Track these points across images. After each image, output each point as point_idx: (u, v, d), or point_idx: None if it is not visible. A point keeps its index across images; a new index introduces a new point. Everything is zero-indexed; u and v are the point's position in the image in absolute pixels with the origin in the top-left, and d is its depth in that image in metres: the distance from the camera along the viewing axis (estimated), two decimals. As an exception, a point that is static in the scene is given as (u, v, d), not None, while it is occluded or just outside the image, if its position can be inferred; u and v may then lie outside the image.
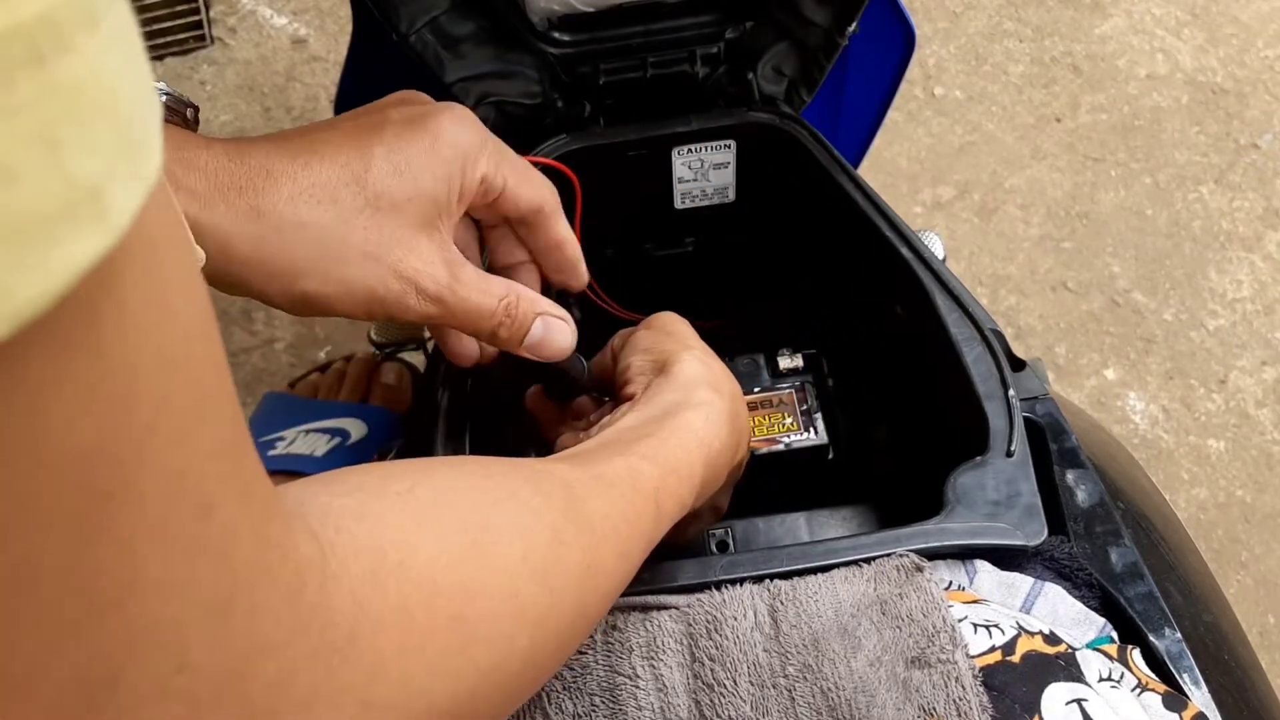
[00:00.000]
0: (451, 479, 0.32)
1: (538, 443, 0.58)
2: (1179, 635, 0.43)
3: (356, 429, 0.73)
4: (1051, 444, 0.50)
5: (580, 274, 0.52)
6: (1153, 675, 0.41)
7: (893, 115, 1.35)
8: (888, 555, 0.42)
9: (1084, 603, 0.44)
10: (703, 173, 0.64)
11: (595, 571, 0.35)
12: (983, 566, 0.44)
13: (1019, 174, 1.43)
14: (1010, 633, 0.39)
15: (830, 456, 0.60)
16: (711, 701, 0.38)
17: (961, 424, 0.50)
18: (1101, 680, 0.38)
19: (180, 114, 0.45)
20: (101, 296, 0.17)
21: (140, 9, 1.46)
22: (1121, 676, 0.39)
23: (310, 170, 0.42)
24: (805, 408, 0.61)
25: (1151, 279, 1.35)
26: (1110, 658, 0.40)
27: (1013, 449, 0.47)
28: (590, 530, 0.35)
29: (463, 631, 0.28)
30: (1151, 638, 0.43)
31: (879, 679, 0.38)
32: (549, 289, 0.52)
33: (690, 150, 0.62)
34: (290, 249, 0.42)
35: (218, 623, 0.20)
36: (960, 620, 0.39)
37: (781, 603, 0.41)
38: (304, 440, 0.71)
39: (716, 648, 0.39)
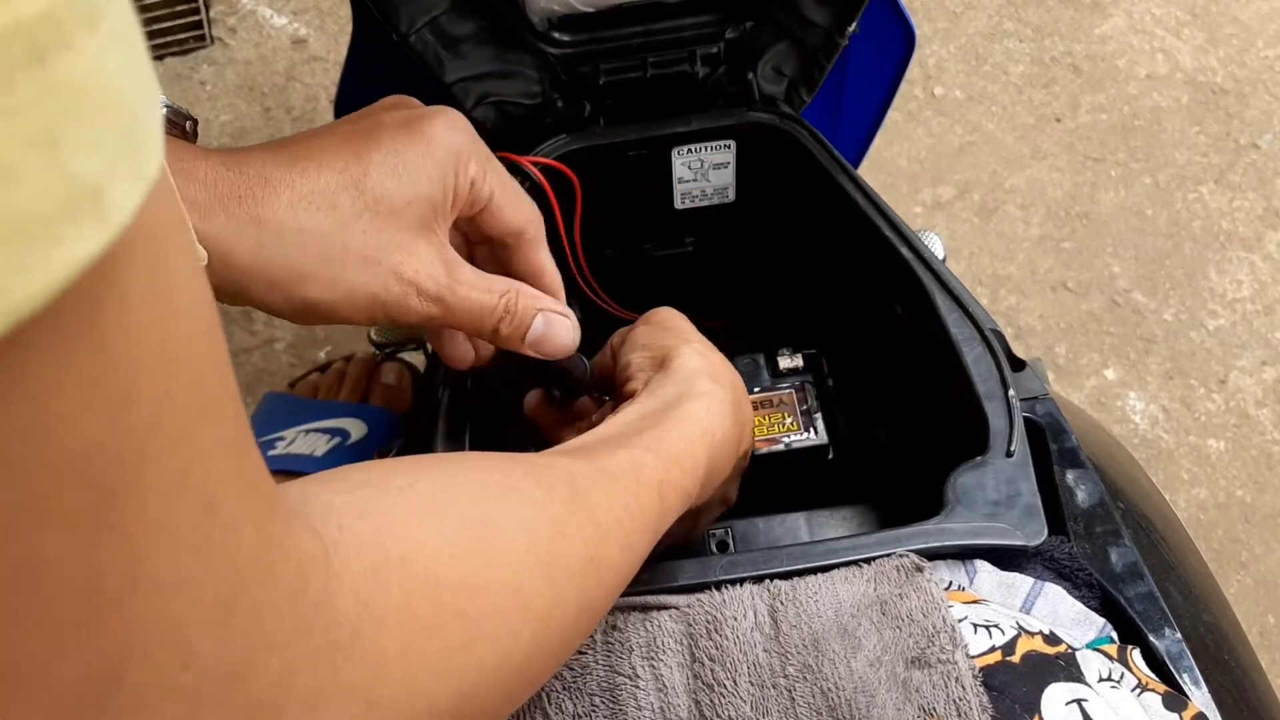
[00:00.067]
0: (453, 474, 0.32)
1: (538, 443, 0.58)
2: (1179, 635, 0.43)
3: (356, 429, 0.73)
4: (1051, 444, 0.50)
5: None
6: (1153, 675, 0.41)
7: (893, 115, 1.35)
8: (888, 555, 0.42)
9: (1084, 603, 0.44)
10: (703, 173, 0.64)
11: (599, 564, 0.35)
12: (983, 566, 0.44)
13: (1019, 174, 1.43)
14: (1010, 633, 0.39)
15: (830, 456, 0.60)
16: (711, 701, 0.38)
17: (961, 424, 0.50)
18: (1101, 680, 0.38)
19: (179, 126, 0.45)
20: (103, 292, 0.16)
21: (140, 9, 1.46)
22: (1121, 676, 0.39)
23: (308, 177, 0.42)
24: (805, 408, 0.61)
25: (1151, 279, 1.35)
26: (1110, 658, 0.40)
27: (1013, 449, 0.47)
28: (593, 523, 0.35)
29: (466, 628, 0.28)
30: (1151, 638, 0.43)
31: (879, 679, 0.38)
32: None
33: (690, 150, 0.62)
34: (291, 256, 0.42)
35: (221, 621, 0.20)
36: (960, 620, 0.39)
37: (781, 603, 0.41)
38: (304, 440, 0.71)
39: (716, 648, 0.39)
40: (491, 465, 0.34)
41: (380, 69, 0.70)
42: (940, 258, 0.56)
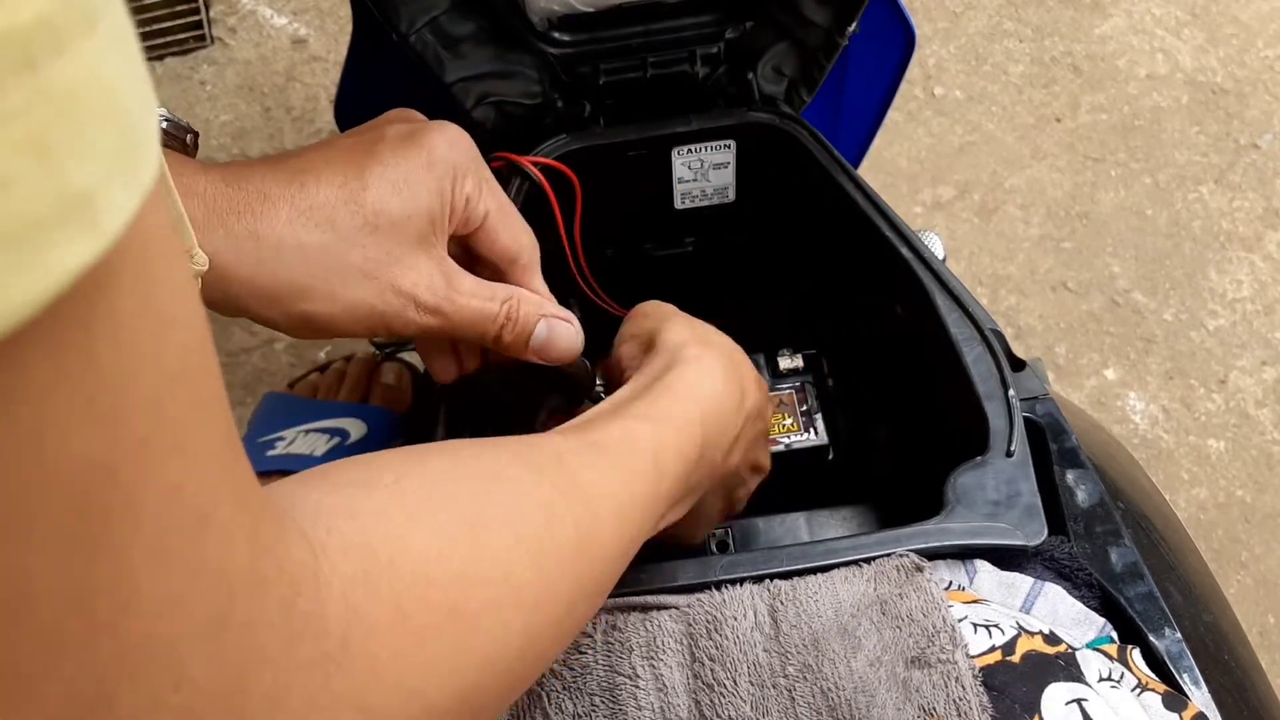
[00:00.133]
0: (439, 465, 0.32)
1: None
2: (1179, 635, 0.43)
3: (356, 429, 0.73)
4: (1051, 444, 0.50)
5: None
6: (1153, 675, 0.41)
7: (893, 115, 1.35)
8: (888, 555, 0.42)
9: (1084, 603, 0.44)
10: (703, 173, 0.64)
11: (591, 542, 0.34)
12: (983, 566, 0.44)
13: (1019, 174, 1.43)
14: (1010, 633, 0.39)
15: (830, 457, 0.60)
16: (711, 701, 0.38)
17: (961, 424, 0.50)
18: (1101, 680, 0.38)
19: (179, 139, 0.45)
20: (94, 303, 0.16)
21: (140, 9, 1.46)
22: (1121, 676, 0.39)
23: (307, 192, 0.43)
24: (805, 408, 0.61)
25: (1151, 279, 1.35)
26: (1110, 658, 0.40)
27: (1013, 449, 0.47)
28: (583, 501, 0.35)
29: (458, 624, 0.28)
30: (1151, 638, 0.43)
31: (879, 679, 0.38)
32: None
33: (690, 150, 0.62)
34: (289, 271, 0.42)
35: (214, 637, 0.20)
36: (960, 620, 0.39)
37: (781, 603, 0.41)
38: (304, 440, 0.71)
39: (716, 648, 0.39)
40: (477, 453, 0.34)
41: (380, 69, 0.70)
42: (940, 258, 0.56)
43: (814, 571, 0.42)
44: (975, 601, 0.41)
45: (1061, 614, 0.43)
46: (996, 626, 0.39)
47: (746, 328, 0.67)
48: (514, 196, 0.57)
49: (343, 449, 0.71)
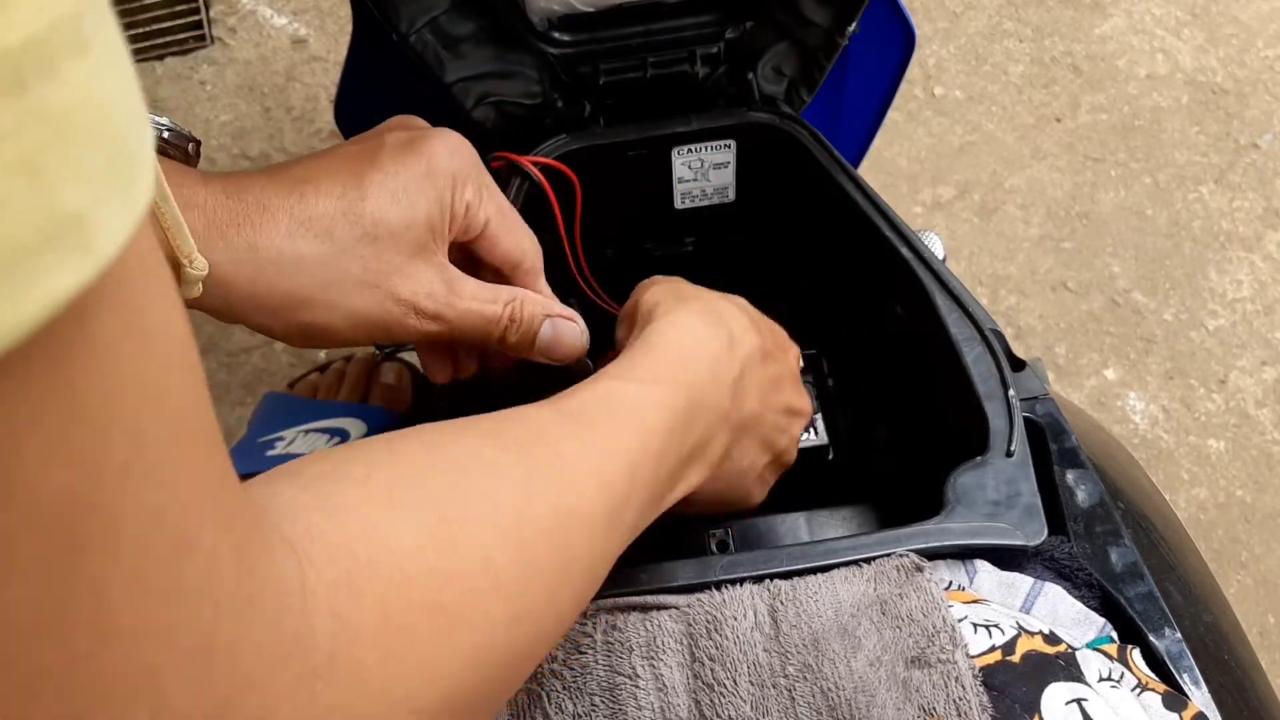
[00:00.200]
0: (409, 455, 0.31)
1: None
2: (1179, 635, 0.43)
3: (356, 429, 0.73)
4: (1051, 444, 0.50)
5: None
6: (1153, 675, 0.41)
7: (893, 115, 1.35)
8: (888, 555, 0.42)
9: (1084, 603, 0.44)
10: (703, 173, 0.64)
11: (572, 518, 0.33)
12: (983, 566, 0.44)
13: (1019, 174, 1.43)
14: (1010, 633, 0.39)
15: (830, 457, 0.60)
16: (711, 701, 0.38)
17: (961, 424, 0.50)
18: (1101, 680, 0.38)
19: (181, 148, 0.45)
20: (76, 327, 0.16)
21: (140, 9, 1.46)
22: (1121, 676, 0.39)
23: (306, 203, 0.43)
24: (805, 408, 0.61)
25: (1151, 279, 1.35)
26: (1110, 658, 0.40)
27: (1013, 449, 0.47)
28: (562, 474, 0.34)
29: (441, 619, 0.27)
30: (1151, 638, 0.43)
31: (879, 679, 0.38)
32: None
33: (690, 150, 0.62)
34: (289, 282, 0.42)
35: (198, 664, 0.20)
36: (960, 620, 0.39)
37: (781, 603, 0.41)
38: (303, 440, 0.71)
39: (716, 648, 0.39)
40: (448, 437, 0.33)
41: (380, 69, 0.70)
42: (940, 258, 0.56)
43: (814, 571, 0.42)
44: (975, 601, 0.41)
45: (1061, 614, 0.43)
46: (996, 626, 0.39)
47: (746, 328, 0.67)
48: (514, 196, 0.57)
49: (342, 449, 0.71)
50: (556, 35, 0.61)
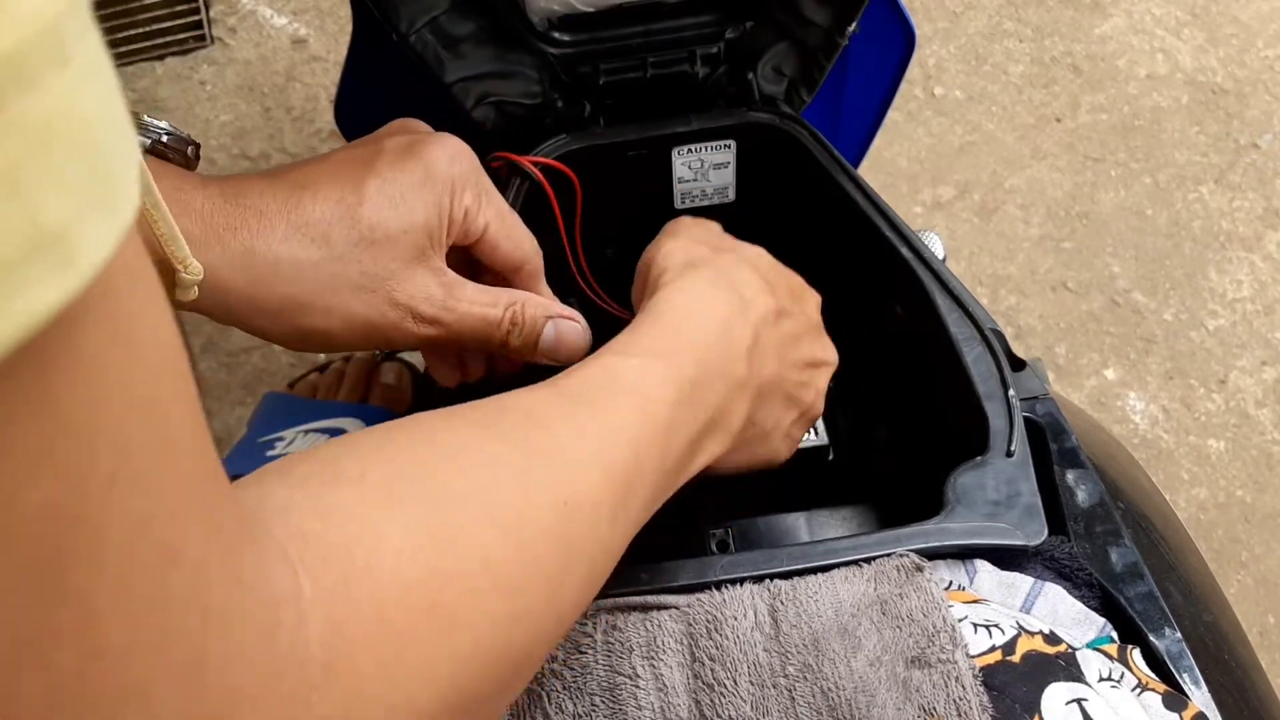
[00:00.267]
0: (403, 449, 0.30)
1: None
2: (1179, 635, 0.43)
3: (355, 429, 0.73)
4: (1051, 444, 0.50)
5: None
6: (1153, 675, 0.41)
7: (893, 115, 1.35)
8: (888, 555, 0.42)
9: (1084, 603, 0.44)
10: (703, 173, 0.64)
11: (573, 504, 0.32)
12: (983, 566, 0.44)
13: (1019, 174, 1.43)
14: (1010, 633, 0.39)
15: (830, 457, 0.60)
16: (712, 701, 0.38)
17: (961, 424, 0.50)
18: (1101, 680, 0.38)
19: (180, 151, 0.45)
20: (60, 341, 0.15)
21: (140, 9, 1.46)
22: (1121, 676, 0.39)
23: (303, 208, 0.43)
24: (805, 408, 0.61)
25: (1151, 279, 1.35)
26: (1110, 658, 0.40)
27: (1013, 449, 0.47)
28: (562, 461, 0.32)
29: (440, 620, 0.26)
30: (1151, 638, 0.43)
31: (879, 679, 0.38)
32: None
33: (690, 150, 0.62)
34: (286, 286, 0.42)
35: (188, 680, 0.19)
36: (960, 620, 0.39)
37: (781, 603, 0.41)
38: (303, 440, 0.71)
39: (717, 648, 0.39)
40: (441, 428, 0.32)
41: (380, 69, 0.70)
42: (940, 258, 0.56)
43: (814, 571, 0.42)
44: (975, 601, 0.41)
45: (1061, 614, 0.43)
46: (996, 626, 0.39)
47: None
48: (514, 196, 0.57)
49: (343, 449, 0.71)
50: (556, 35, 0.61)
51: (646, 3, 0.60)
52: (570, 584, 0.32)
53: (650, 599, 0.42)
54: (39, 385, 0.15)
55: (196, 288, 0.40)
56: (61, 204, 0.14)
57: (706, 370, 0.40)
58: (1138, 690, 0.39)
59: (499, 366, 0.53)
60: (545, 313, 0.48)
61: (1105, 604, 0.45)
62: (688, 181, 0.64)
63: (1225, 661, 0.46)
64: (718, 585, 0.42)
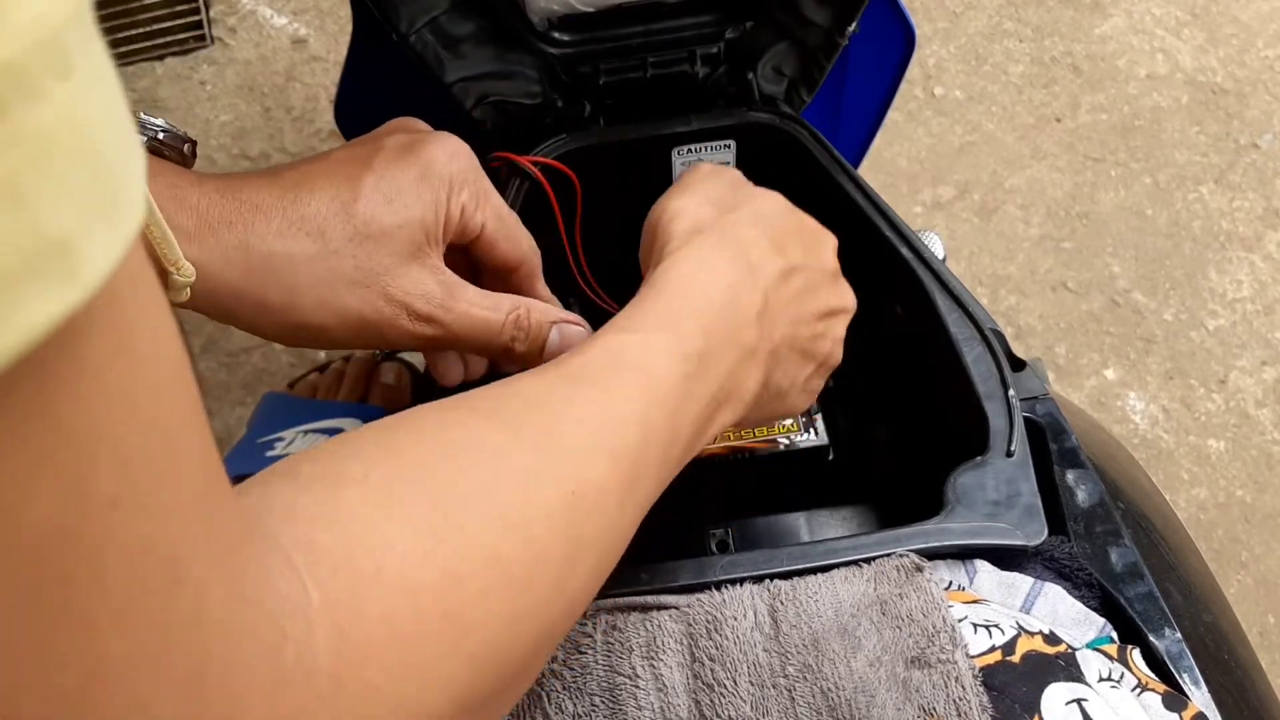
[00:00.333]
0: (407, 447, 0.30)
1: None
2: (1179, 635, 0.43)
3: (355, 429, 0.73)
4: (1051, 444, 0.50)
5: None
6: (1153, 675, 0.41)
7: (893, 115, 1.35)
8: (888, 555, 0.42)
9: (1084, 603, 0.44)
10: (703, 173, 0.64)
11: (580, 495, 0.31)
12: (983, 566, 0.44)
13: (1019, 174, 1.43)
14: (1010, 633, 0.39)
15: (830, 457, 0.60)
16: (711, 701, 0.38)
17: (961, 424, 0.50)
18: (1101, 680, 0.38)
19: (177, 149, 0.45)
20: (63, 354, 0.15)
21: (140, 9, 1.46)
22: (1121, 676, 0.39)
23: (299, 204, 0.43)
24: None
25: (1151, 279, 1.35)
26: (1110, 658, 0.40)
27: (1013, 449, 0.47)
28: (568, 449, 0.32)
29: (452, 624, 0.26)
30: (1151, 638, 0.43)
31: (879, 679, 0.38)
32: None
33: (690, 150, 0.62)
34: (280, 281, 0.42)
35: (191, 696, 0.19)
36: (960, 620, 0.39)
37: (781, 603, 0.41)
38: (303, 440, 0.71)
39: (716, 648, 0.39)
40: (444, 422, 0.31)
41: (380, 69, 0.70)
42: (940, 258, 0.56)
43: (814, 571, 0.42)
44: (975, 601, 0.41)
45: (1061, 614, 0.43)
46: (996, 626, 0.39)
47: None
48: (514, 196, 0.57)
49: (343, 449, 0.71)
50: (556, 35, 0.61)
51: (646, 3, 0.60)
52: (579, 574, 0.31)
53: (650, 599, 0.42)
54: (40, 398, 0.15)
55: (188, 289, 0.39)
56: (64, 215, 0.14)
57: (714, 340, 0.38)
58: (1138, 690, 0.39)
59: (499, 367, 0.53)
60: (550, 318, 0.48)
61: (1105, 604, 0.45)
62: (688, 181, 0.64)
63: (1225, 662, 0.46)
64: (718, 585, 0.42)
